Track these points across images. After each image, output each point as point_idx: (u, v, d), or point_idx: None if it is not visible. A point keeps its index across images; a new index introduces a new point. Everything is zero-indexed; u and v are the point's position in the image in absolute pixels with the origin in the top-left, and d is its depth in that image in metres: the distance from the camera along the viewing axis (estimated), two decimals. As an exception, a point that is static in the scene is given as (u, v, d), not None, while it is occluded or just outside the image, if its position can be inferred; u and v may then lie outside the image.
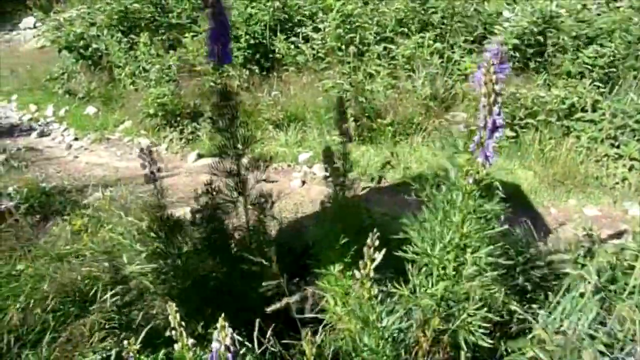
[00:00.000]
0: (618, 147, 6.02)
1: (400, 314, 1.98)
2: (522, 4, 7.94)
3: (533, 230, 3.75)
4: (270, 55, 8.21)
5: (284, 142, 6.88)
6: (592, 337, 2.53)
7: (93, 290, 3.17)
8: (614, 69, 7.03)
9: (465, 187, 1.90)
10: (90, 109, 8.36)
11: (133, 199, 4.89)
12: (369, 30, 7.78)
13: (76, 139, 7.71)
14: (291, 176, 6.13)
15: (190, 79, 7.64)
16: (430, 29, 7.74)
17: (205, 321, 2.80)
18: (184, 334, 1.60)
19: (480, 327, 2.14)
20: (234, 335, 1.45)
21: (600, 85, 6.74)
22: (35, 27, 12.42)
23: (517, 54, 7.36)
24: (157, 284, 3.07)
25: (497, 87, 1.58)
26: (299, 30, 8.31)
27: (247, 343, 2.47)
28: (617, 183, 5.87)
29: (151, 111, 7.22)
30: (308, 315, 2.83)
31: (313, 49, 7.87)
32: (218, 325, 1.42)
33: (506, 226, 2.10)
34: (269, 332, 2.49)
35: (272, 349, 2.49)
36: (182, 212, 4.24)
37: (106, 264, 3.42)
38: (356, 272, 1.70)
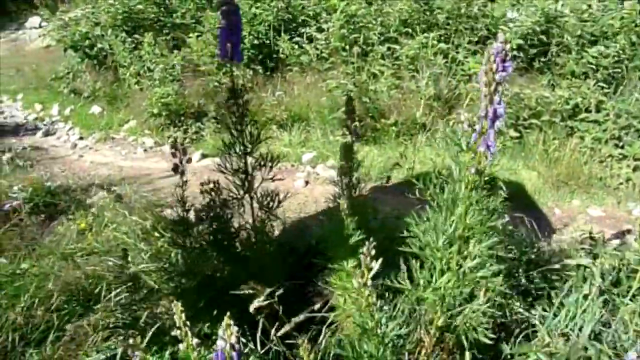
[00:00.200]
0: (622, 147, 6.01)
1: (399, 320, 1.99)
2: (526, 4, 7.93)
3: (537, 231, 3.75)
4: (274, 56, 8.22)
5: (288, 142, 6.88)
6: (597, 340, 2.53)
7: (97, 289, 3.18)
8: (619, 70, 7.02)
9: (467, 178, 1.91)
10: (95, 109, 8.38)
11: (137, 198, 4.90)
12: (372, 30, 7.78)
13: (81, 138, 7.73)
14: (295, 176, 6.14)
15: (194, 79, 7.66)
16: (435, 30, 7.74)
17: (210, 321, 2.81)
18: (189, 333, 1.61)
19: (483, 323, 2.15)
20: (238, 334, 1.46)
21: (605, 85, 6.74)
22: (40, 26, 12.47)
23: (521, 54, 7.35)
24: (162, 283, 3.08)
25: (497, 77, 1.62)
26: (302, 30, 8.31)
27: (251, 345, 2.48)
28: (621, 183, 5.86)
29: (155, 111, 7.24)
30: (315, 314, 2.83)
31: (317, 49, 7.87)
32: (223, 323, 1.42)
33: (507, 218, 2.11)
34: (272, 332, 2.50)
35: (276, 348, 2.50)
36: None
37: (110, 263, 3.43)
38: (354, 281, 1.73)
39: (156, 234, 3.74)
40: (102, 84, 8.69)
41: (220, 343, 1.42)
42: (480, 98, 1.69)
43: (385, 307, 2.06)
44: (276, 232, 4.06)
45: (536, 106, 6.45)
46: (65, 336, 2.94)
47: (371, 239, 1.68)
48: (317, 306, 2.93)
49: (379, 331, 1.90)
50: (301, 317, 2.59)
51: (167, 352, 2.51)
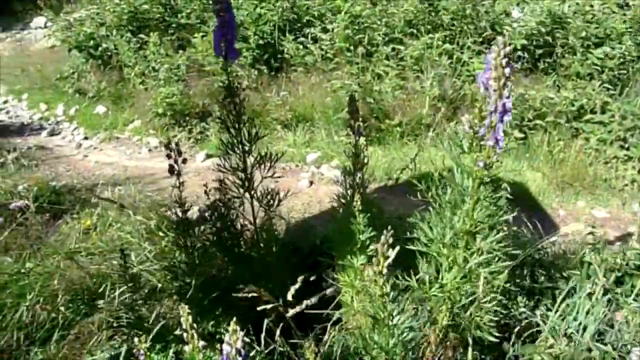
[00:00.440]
0: (627, 149, 5.99)
1: (410, 313, 1.99)
2: (532, 4, 7.91)
3: (541, 231, 3.74)
4: (279, 56, 8.21)
5: (292, 142, 6.89)
6: (601, 341, 2.53)
7: (102, 289, 3.19)
8: (624, 71, 6.99)
9: (476, 173, 1.92)
10: (100, 108, 8.40)
11: (142, 197, 4.91)
12: (377, 31, 7.77)
13: (86, 138, 7.75)
14: (299, 176, 6.14)
15: (199, 79, 7.67)
16: (440, 30, 7.72)
17: (214, 320, 2.82)
18: (195, 335, 1.61)
19: (489, 321, 2.15)
20: (244, 338, 1.45)
21: (610, 87, 6.71)
22: (45, 26, 12.50)
23: (526, 55, 7.34)
24: (166, 282, 3.09)
25: (506, 71, 1.64)
26: (307, 30, 8.30)
27: (255, 345, 2.48)
28: (626, 185, 5.84)
29: (160, 111, 7.25)
30: (319, 311, 2.82)
31: (322, 49, 7.86)
32: (230, 328, 1.41)
33: (514, 214, 2.12)
34: (277, 332, 2.50)
35: (280, 348, 2.50)
36: (191, 211, 4.26)
37: (115, 262, 3.44)
38: (369, 269, 1.72)
39: (160, 234, 3.75)
40: (106, 84, 8.71)
41: (226, 348, 1.42)
42: (488, 94, 1.70)
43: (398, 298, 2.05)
44: (280, 232, 4.06)
45: (541, 107, 6.42)
46: (69, 335, 2.95)
47: (395, 226, 1.68)
48: (328, 291, 2.93)
49: (390, 322, 1.89)
50: (313, 299, 2.58)
51: (171, 351, 2.52)
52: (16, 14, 13.77)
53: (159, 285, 3.17)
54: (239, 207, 2.99)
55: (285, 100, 7.33)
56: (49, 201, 4.75)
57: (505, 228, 2.11)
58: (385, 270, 1.70)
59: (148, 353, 1.95)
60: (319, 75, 7.64)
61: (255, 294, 2.26)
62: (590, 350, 2.44)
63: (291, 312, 2.38)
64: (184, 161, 2.74)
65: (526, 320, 2.75)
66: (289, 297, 2.32)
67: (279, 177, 2.80)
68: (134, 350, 1.85)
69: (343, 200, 2.99)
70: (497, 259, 2.10)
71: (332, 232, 3.07)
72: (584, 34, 7.23)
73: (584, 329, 2.55)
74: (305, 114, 7.21)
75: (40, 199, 4.66)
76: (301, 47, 8.02)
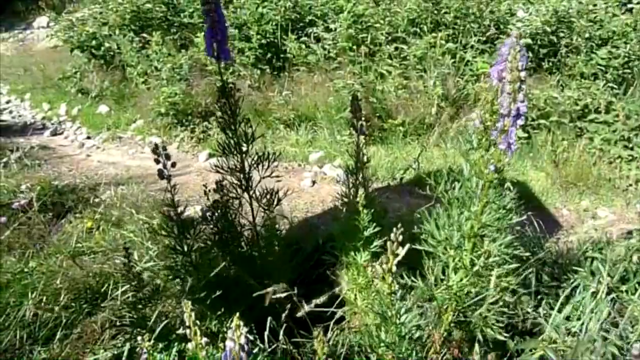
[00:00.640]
0: (632, 148, 5.97)
1: (418, 311, 1.98)
2: (537, 4, 7.89)
3: (545, 231, 3.73)
4: (282, 55, 8.20)
5: (295, 141, 6.88)
6: (604, 339, 2.51)
7: (104, 288, 3.19)
8: (629, 70, 6.97)
9: (486, 176, 1.90)
10: (103, 108, 8.41)
11: (144, 197, 4.91)
12: (380, 30, 7.75)
13: (88, 137, 7.76)
14: (302, 176, 6.13)
15: (201, 78, 7.67)
16: (443, 29, 7.71)
17: (217, 318, 2.81)
18: (198, 333, 1.60)
19: (497, 321, 2.14)
20: (247, 335, 1.44)
21: (614, 86, 6.70)
22: (48, 26, 12.53)
23: (530, 54, 7.31)
24: (169, 281, 3.08)
25: (522, 74, 1.62)
26: (310, 30, 8.29)
27: (258, 343, 2.47)
28: (630, 185, 5.81)
29: (162, 110, 7.25)
30: (322, 309, 2.81)
31: (324, 49, 7.86)
32: (233, 324, 1.41)
33: (524, 217, 2.10)
34: (281, 331, 2.49)
35: (283, 347, 2.49)
36: (193, 210, 4.26)
37: (117, 261, 3.44)
38: (377, 267, 1.71)
39: (163, 233, 3.74)
40: (109, 83, 8.72)
41: (229, 344, 1.41)
42: (501, 86, 1.67)
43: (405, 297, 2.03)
44: (283, 231, 4.06)
45: (545, 107, 6.41)
46: (72, 334, 2.95)
47: (399, 225, 1.66)
48: (337, 289, 2.91)
49: (397, 321, 1.88)
50: (322, 298, 2.57)
51: (174, 350, 2.51)
52: (19, 14, 13.79)
53: (162, 284, 3.17)
54: (238, 207, 2.98)
55: (288, 99, 7.33)
56: (52, 201, 4.76)
57: (513, 230, 2.10)
58: (394, 268, 1.69)
59: (151, 352, 1.94)
60: (321, 75, 7.63)
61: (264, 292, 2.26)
62: (593, 345, 2.42)
63: (307, 307, 2.38)
64: (173, 165, 2.63)
65: (530, 319, 2.74)
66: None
67: (277, 176, 2.78)
68: (137, 349, 1.84)
69: (346, 199, 2.98)
70: (505, 262, 2.09)
71: (336, 229, 3.06)
72: (588, 33, 7.21)
73: (588, 327, 2.54)
74: (308, 114, 7.21)
75: (43, 198, 4.66)
76: (304, 46, 8.01)
